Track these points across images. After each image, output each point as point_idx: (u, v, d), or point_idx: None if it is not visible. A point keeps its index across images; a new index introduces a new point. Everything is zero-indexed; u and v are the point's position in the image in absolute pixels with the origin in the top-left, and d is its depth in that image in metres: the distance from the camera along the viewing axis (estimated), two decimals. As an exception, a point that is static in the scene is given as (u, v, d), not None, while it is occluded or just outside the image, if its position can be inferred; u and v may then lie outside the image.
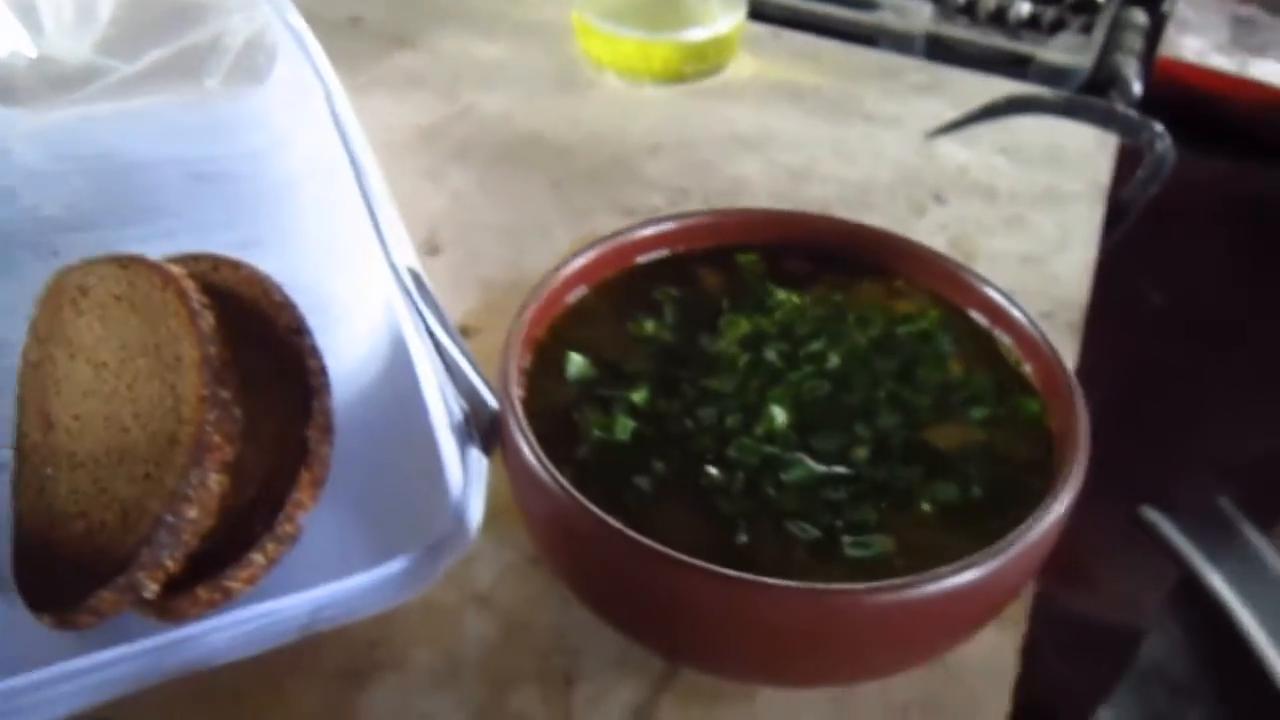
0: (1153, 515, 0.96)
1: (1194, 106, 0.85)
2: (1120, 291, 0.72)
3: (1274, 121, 0.85)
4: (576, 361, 0.42)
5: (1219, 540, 0.92)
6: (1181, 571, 0.92)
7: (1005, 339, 0.43)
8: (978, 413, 0.40)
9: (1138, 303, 0.96)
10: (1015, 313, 0.42)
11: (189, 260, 0.47)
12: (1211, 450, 1.06)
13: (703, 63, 0.79)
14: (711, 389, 0.41)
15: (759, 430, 0.39)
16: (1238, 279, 0.95)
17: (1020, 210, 0.67)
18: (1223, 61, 0.86)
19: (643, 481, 0.37)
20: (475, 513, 0.40)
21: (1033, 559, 0.34)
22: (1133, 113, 0.73)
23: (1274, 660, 0.83)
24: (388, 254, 0.48)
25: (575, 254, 0.44)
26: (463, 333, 0.56)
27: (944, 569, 0.32)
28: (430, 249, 0.62)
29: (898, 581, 0.32)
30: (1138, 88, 0.83)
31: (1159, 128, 0.70)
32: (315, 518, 0.41)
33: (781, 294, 0.45)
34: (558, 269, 0.44)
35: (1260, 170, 0.88)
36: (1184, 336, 0.97)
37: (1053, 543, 0.35)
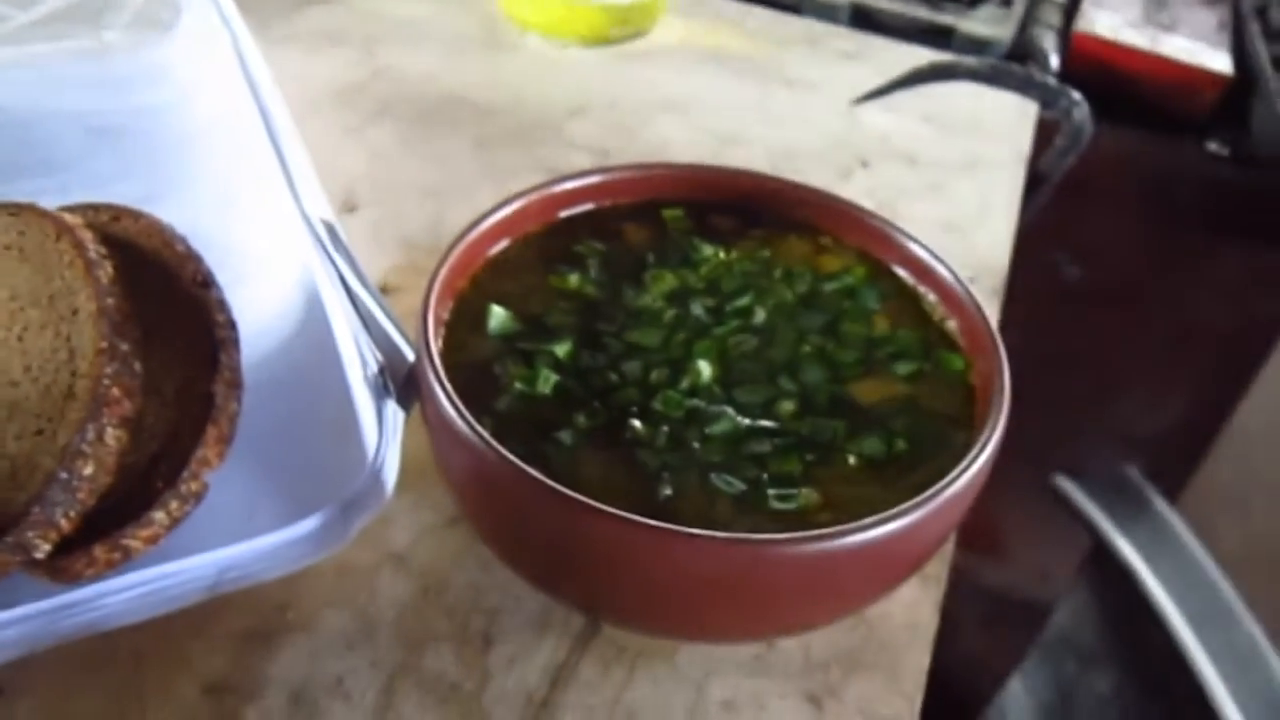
0: (1065, 484, 0.98)
1: (1108, 81, 0.86)
2: (1035, 263, 0.73)
3: (1183, 97, 0.87)
4: (498, 314, 0.40)
5: (1129, 509, 0.95)
6: (1092, 540, 0.94)
7: (930, 296, 0.43)
8: (902, 368, 0.40)
9: (1052, 274, 0.98)
10: (941, 269, 0.42)
11: (87, 210, 0.45)
12: (1121, 421, 1.09)
13: (628, 25, 0.78)
14: (636, 343, 0.40)
15: (684, 384, 0.38)
16: (1148, 253, 0.97)
17: (942, 177, 0.67)
18: (1135, 37, 0.88)
19: (565, 435, 0.36)
20: (391, 470, 0.38)
21: (956, 510, 0.34)
22: (1052, 80, 0.74)
23: (1180, 628, 0.85)
24: (300, 205, 0.46)
25: (499, 205, 0.43)
26: (382, 291, 0.55)
27: (868, 519, 0.32)
28: (349, 207, 0.60)
29: (821, 532, 0.31)
30: (1055, 61, 0.84)
31: (1076, 95, 0.71)
32: (222, 475, 0.39)
33: (708, 249, 0.44)
34: (481, 219, 0.42)
35: (1170, 145, 0.90)
36: (1096, 308, 0.99)
37: (975, 494, 0.35)
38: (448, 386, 0.35)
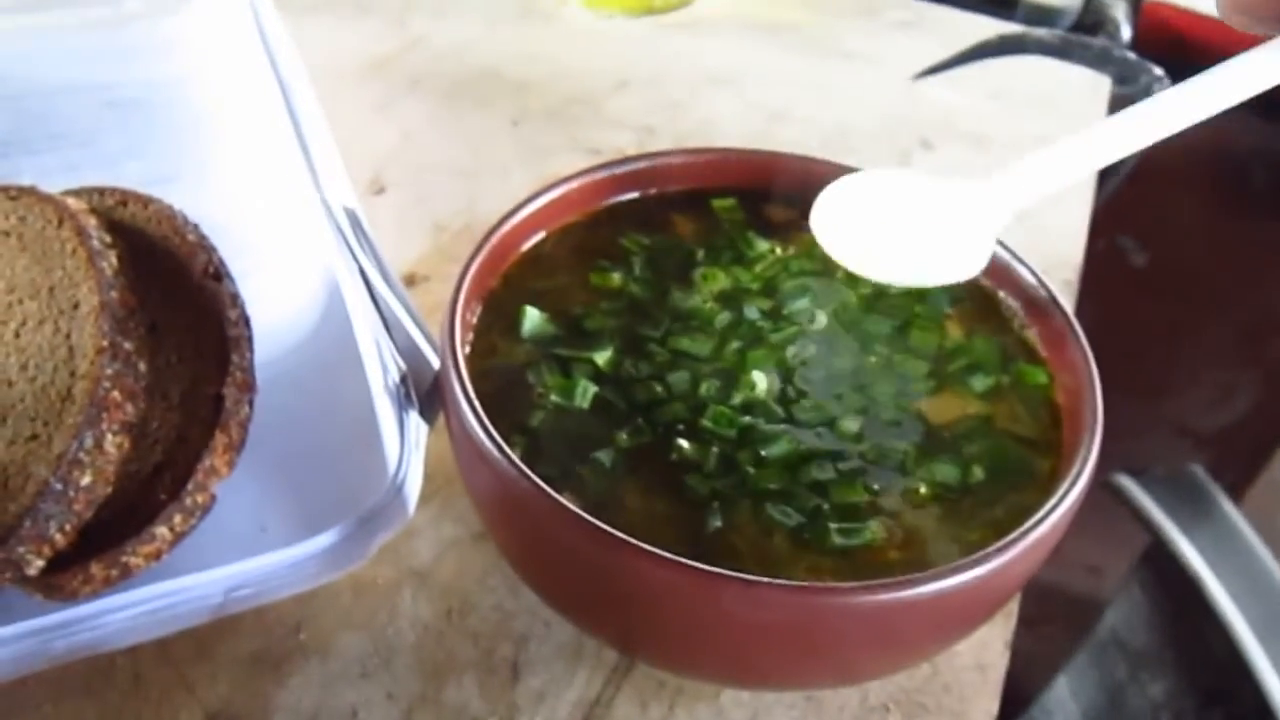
0: (1124, 481, 0.94)
1: (1182, 53, 0.81)
2: (1098, 248, 0.69)
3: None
4: (533, 316, 0.37)
5: (1191, 508, 0.90)
6: (1150, 539, 0.90)
7: (1009, 300, 0.39)
8: (978, 383, 0.36)
9: (1117, 260, 0.93)
10: (1021, 270, 0.38)
11: (92, 194, 0.42)
12: (1185, 416, 1.04)
13: (674, -7, 0.74)
14: (684, 350, 0.36)
15: (737, 399, 0.35)
16: (1220, 239, 0.92)
17: (1010, 158, 0.63)
18: (1213, 6, 0.82)
19: (604, 456, 0.33)
20: (414, 484, 0.35)
21: (1040, 552, 0.30)
22: (1130, 54, 0.69)
23: (1242, 632, 0.81)
24: (320, 191, 0.43)
25: (535, 195, 0.39)
26: (409, 281, 0.51)
27: (944, 567, 0.28)
28: (376, 189, 0.57)
29: (890, 581, 0.28)
30: (1127, 31, 0.79)
31: (1158, 71, 0.66)
32: (231, 486, 0.36)
33: (763, 245, 0.40)
34: (514, 211, 0.39)
35: (1248, 124, 0.85)
36: (1162, 297, 0.94)
37: (1062, 534, 0.31)
38: (474, 401, 0.31)
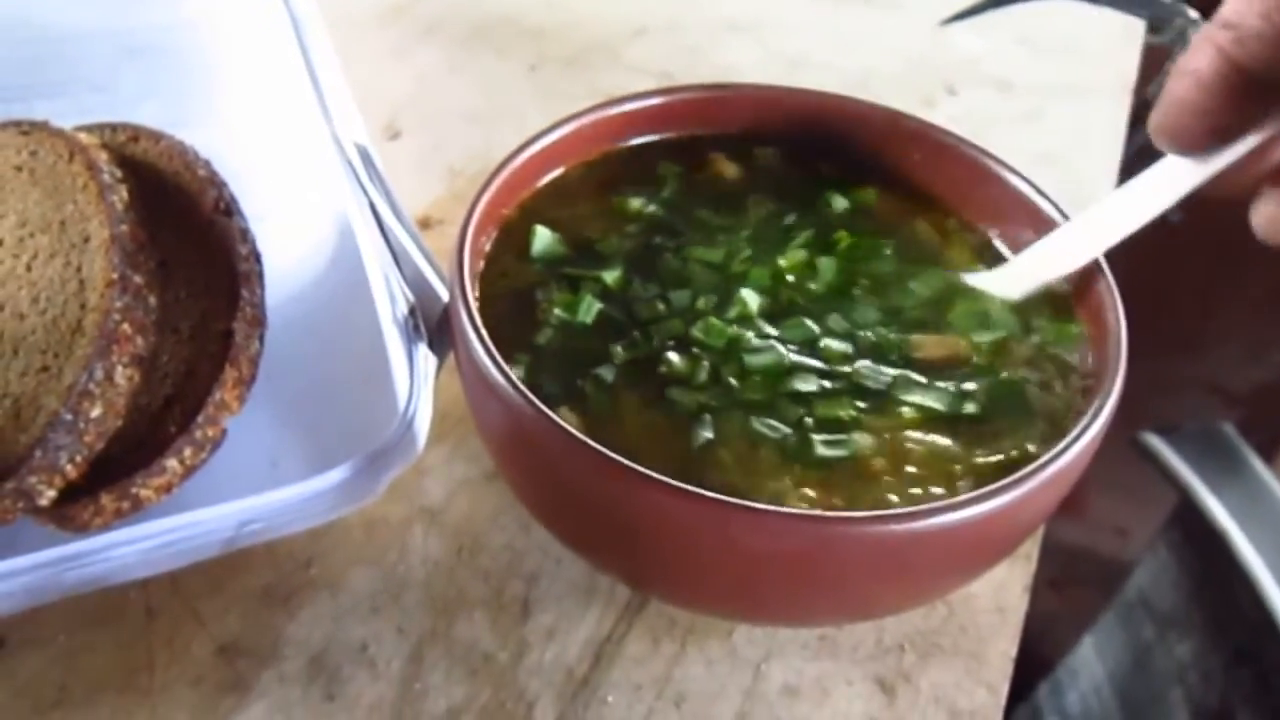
0: (1153, 440, 0.93)
1: None
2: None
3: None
4: (544, 236, 0.36)
5: (1220, 466, 0.89)
6: (1179, 499, 0.88)
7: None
8: (987, 334, 0.35)
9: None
10: (1053, 213, 0.37)
11: (104, 129, 0.42)
12: (1217, 374, 1.02)
13: (695, -62, 0.72)
14: (697, 259, 0.36)
15: (731, 313, 0.34)
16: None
17: (1038, 105, 0.61)
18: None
19: (605, 371, 0.33)
20: (424, 420, 0.35)
21: (1056, 490, 0.30)
22: (1164, -4, 0.67)
23: (1270, 591, 0.80)
24: (332, 128, 0.42)
25: (554, 125, 0.39)
26: (423, 224, 0.51)
27: (958, 499, 0.27)
28: (391, 134, 0.57)
29: (901, 511, 0.27)
30: (1163, -23, 0.76)
31: (1194, 14, 0.64)
32: (242, 421, 0.36)
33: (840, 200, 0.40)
34: (531, 141, 0.38)
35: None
36: (1197, 255, 0.92)
37: (1080, 472, 0.30)
38: (480, 329, 0.31)
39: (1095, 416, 0.30)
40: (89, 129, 0.41)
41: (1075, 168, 0.57)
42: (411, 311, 0.36)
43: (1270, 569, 0.80)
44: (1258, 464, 0.86)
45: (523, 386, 0.29)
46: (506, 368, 0.30)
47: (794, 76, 0.62)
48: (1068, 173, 0.57)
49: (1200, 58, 0.28)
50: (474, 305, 0.32)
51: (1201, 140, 0.30)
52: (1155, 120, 0.30)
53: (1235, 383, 1.04)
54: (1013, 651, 0.36)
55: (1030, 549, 0.39)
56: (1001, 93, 0.62)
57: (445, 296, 0.36)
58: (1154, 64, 0.66)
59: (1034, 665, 0.97)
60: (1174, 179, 0.32)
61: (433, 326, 0.36)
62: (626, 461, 0.28)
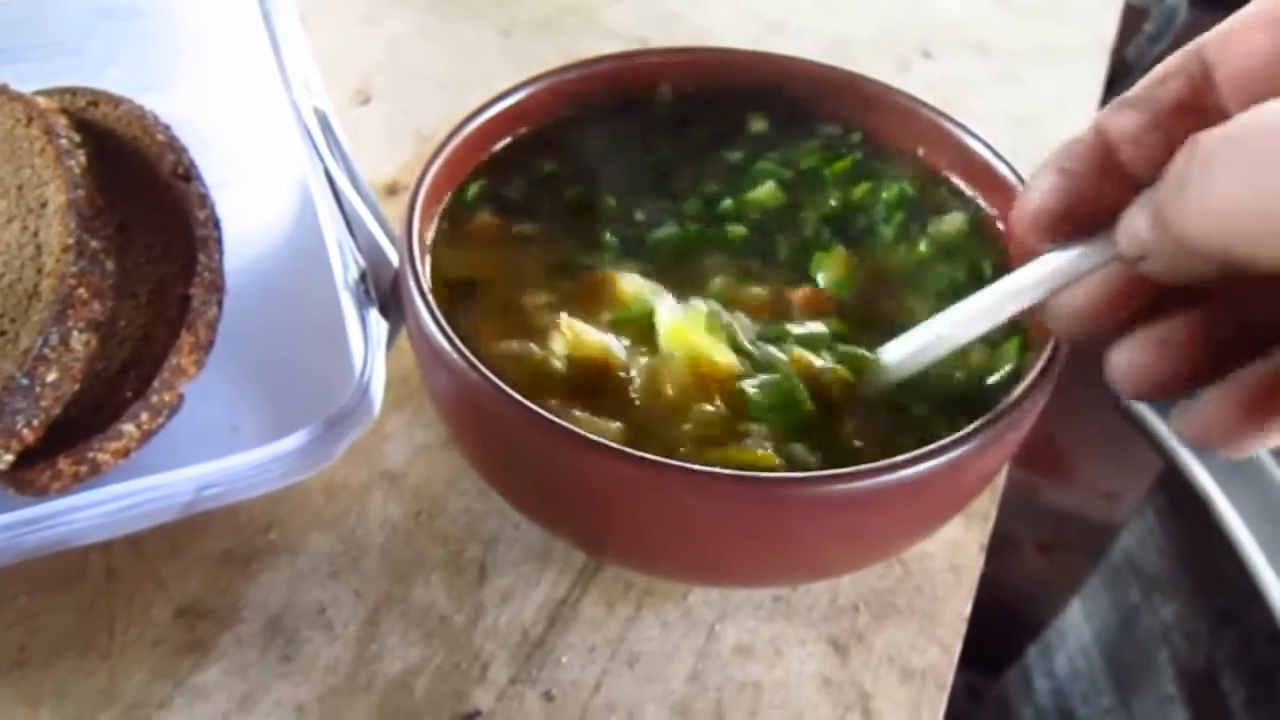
0: (1140, 407, 0.93)
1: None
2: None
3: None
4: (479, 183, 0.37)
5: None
6: (1165, 464, 0.89)
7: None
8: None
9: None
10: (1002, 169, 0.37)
11: (63, 94, 0.42)
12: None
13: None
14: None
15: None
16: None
17: (1015, 68, 0.61)
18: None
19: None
20: (378, 383, 0.35)
21: (1009, 444, 0.30)
22: (1145, -42, 0.66)
23: (1253, 554, 0.81)
24: (290, 93, 0.42)
25: (509, 90, 0.39)
26: (390, 190, 0.51)
27: (903, 457, 0.28)
28: (362, 99, 0.56)
29: (848, 471, 0.27)
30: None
31: (1172, -24, 0.63)
32: (200, 386, 0.36)
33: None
34: (485, 106, 0.38)
35: None
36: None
37: (1031, 424, 0.30)
38: (429, 297, 0.31)
39: (1043, 375, 0.30)
40: (48, 93, 0.41)
41: (1053, 131, 0.56)
42: (363, 277, 0.36)
43: (1253, 534, 0.80)
44: (1243, 430, 0.86)
45: (471, 356, 0.29)
46: (455, 337, 0.30)
47: (770, 39, 0.62)
48: (1045, 136, 0.56)
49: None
50: (423, 273, 0.32)
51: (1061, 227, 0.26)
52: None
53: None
54: (966, 611, 0.36)
55: (988, 508, 0.39)
56: (978, 55, 0.62)
57: (394, 260, 0.36)
58: (1132, 25, 0.65)
59: (1023, 627, 0.98)
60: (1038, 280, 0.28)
61: (385, 292, 0.36)
62: (572, 427, 0.28)
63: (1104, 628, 0.96)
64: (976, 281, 0.34)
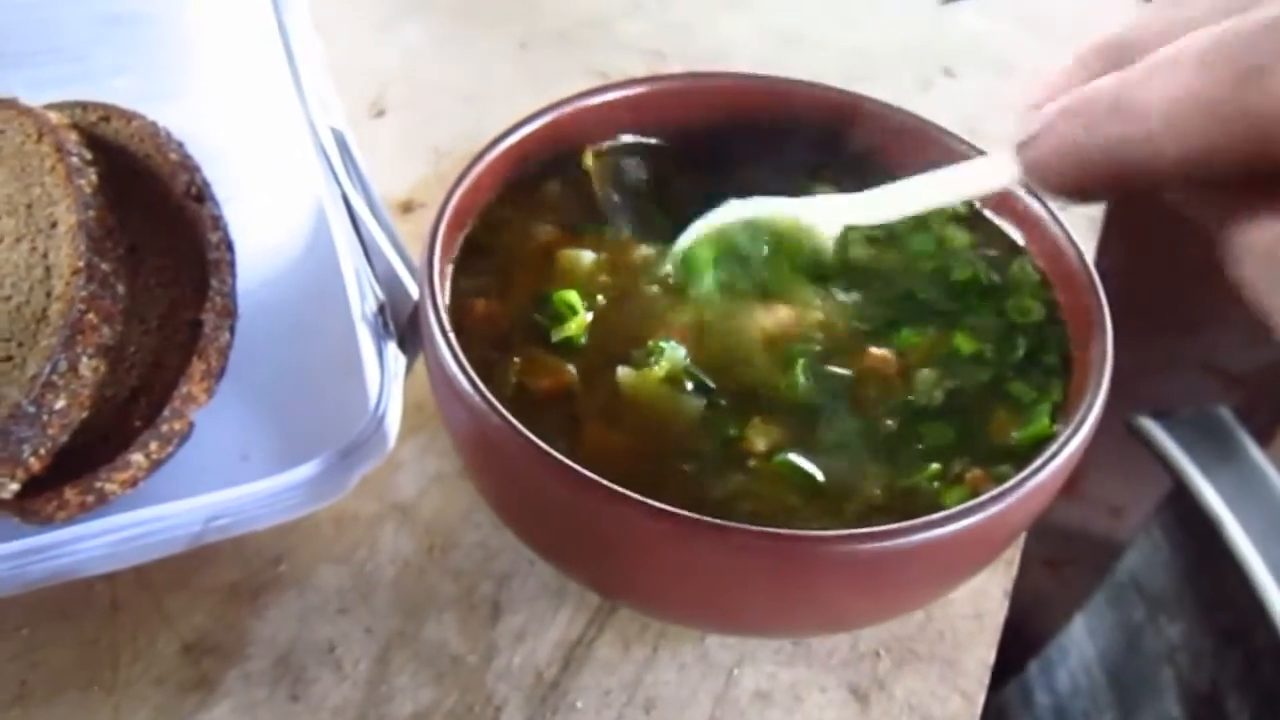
0: (1148, 423, 0.92)
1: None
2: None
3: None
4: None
5: (1214, 450, 0.88)
6: (1173, 482, 0.88)
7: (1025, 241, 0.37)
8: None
9: (1150, 196, 0.90)
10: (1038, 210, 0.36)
11: (75, 109, 0.41)
12: (1216, 355, 1.01)
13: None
14: None
15: None
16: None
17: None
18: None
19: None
20: (394, 416, 0.34)
21: (1042, 498, 0.29)
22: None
23: (1261, 574, 0.80)
24: (308, 113, 0.41)
25: (533, 115, 0.38)
26: (405, 208, 0.50)
27: (935, 516, 0.27)
28: (376, 111, 0.55)
29: (875, 530, 0.26)
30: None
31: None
32: (211, 413, 0.36)
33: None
34: (508, 132, 0.37)
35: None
36: (1196, 234, 0.91)
37: (1061, 483, 0.30)
38: (449, 333, 0.30)
39: (1078, 427, 0.29)
40: (59, 107, 0.40)
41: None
42: (381, 309, 0.35)
43: (1261, 554, 0.80)
44: (1253, 449, 0.85)
45: (494, 399, 0.29)
46: (474, 374, 0.29)
47: (788, 55, 0.61)
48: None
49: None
50: (443, 308, 0.31)
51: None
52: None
53: (1235, 364, 1.03)
54: (990, 658, 0.36)
55: (1012, 554, 0.38)
56: (1001, 75, 0.61)
57: (414, 292, 0.35)
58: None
59: (1025, 642, 0.97)
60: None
61: (403, 324, 0.35)
62: (591, 474, 0.27)
63: (1107, 645, 0.96)
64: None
